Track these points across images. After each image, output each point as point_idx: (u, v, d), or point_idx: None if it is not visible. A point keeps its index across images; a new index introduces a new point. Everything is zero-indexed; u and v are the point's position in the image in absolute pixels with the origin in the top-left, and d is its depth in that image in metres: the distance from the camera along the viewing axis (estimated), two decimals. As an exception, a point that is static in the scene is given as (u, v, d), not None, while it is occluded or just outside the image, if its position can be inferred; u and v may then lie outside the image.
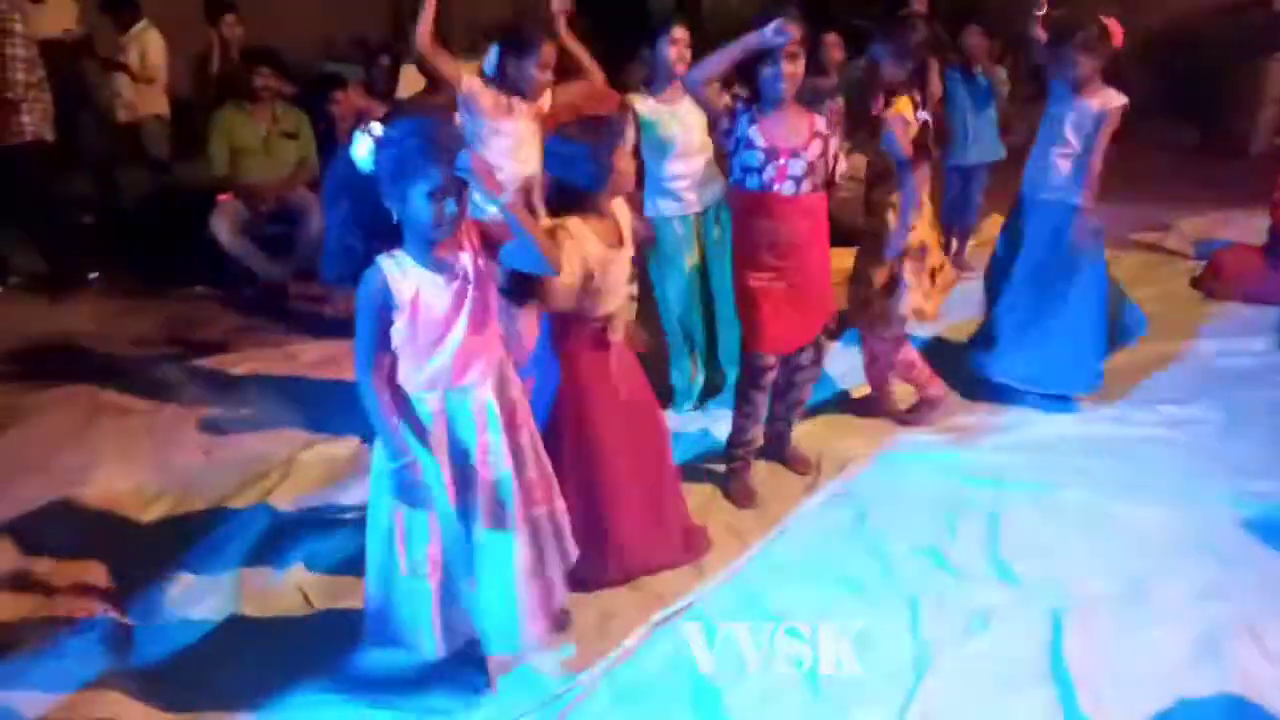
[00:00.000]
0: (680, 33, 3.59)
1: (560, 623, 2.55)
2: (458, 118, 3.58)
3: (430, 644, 2.30)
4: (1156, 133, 8.59)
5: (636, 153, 3.82)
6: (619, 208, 2.60)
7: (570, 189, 2.50)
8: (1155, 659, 2.51)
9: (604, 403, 2.65)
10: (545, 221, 2.50)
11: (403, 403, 2.16)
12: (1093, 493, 3.27)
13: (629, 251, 2.61)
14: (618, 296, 2.61)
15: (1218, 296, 5.16)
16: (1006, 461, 3.50)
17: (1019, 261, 3.88)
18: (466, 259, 2.13)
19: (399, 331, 2.07)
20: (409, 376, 2.14)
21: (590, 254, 2.46)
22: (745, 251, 3.15)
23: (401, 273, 2.04)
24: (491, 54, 3.54)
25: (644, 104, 3.62)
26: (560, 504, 2.42)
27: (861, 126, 3.72)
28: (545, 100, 3.63)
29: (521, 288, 2.45)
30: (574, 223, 2.46)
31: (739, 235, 3.18)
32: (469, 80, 3.51)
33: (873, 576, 2.87)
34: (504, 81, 3.53)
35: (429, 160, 1.95)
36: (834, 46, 5.82)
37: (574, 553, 2.48)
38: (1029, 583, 2.82)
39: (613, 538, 2.74)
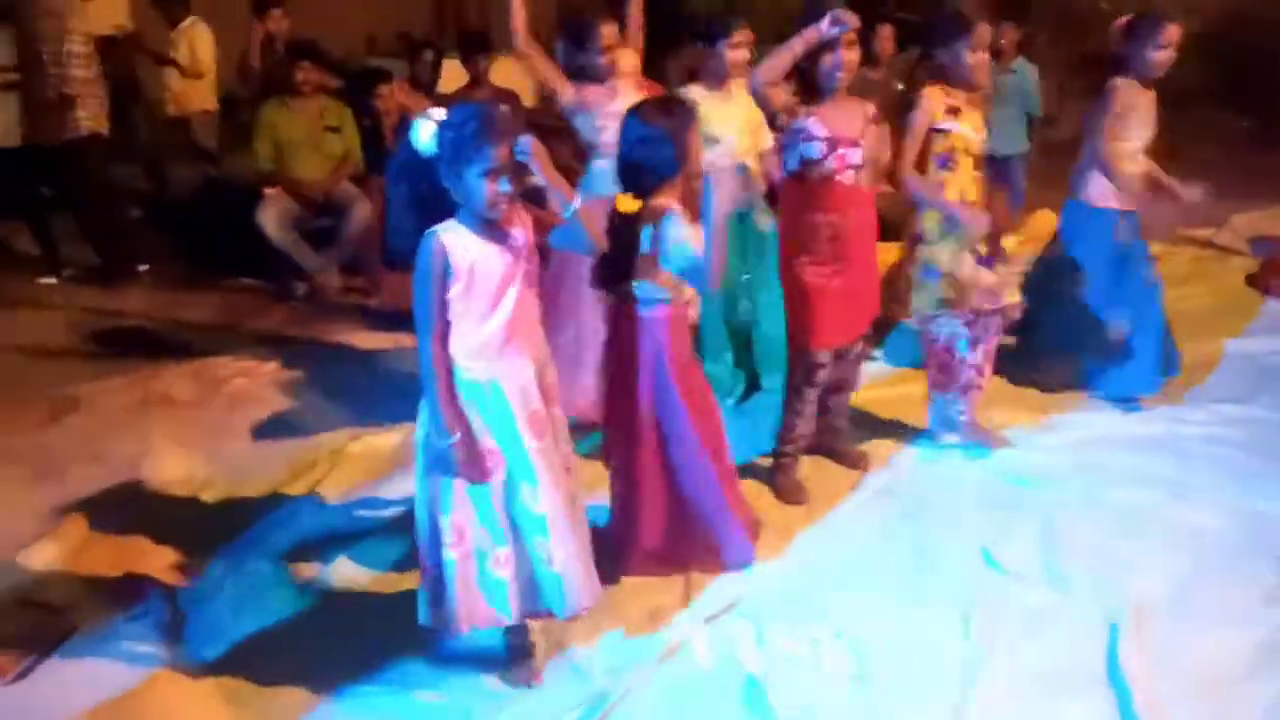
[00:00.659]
0: (743, 35, 3.57)
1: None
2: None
3: (451, 619, 2.32)
4: (1208, 123, 8.42)
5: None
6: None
7: (650, 170, 2.51)
8: (1213, 665, 2.45)
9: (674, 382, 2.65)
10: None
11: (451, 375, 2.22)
12: (1147, 493, 3.21)
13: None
14: None
15: (1275, 294, 5.05)
16: (1057, 461, 3.45)
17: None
18: (519, 233, 2.23)
19: (456, 298, 2.15)
20: (460, 343, 2.20)
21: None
22: (802, 245, 3.11)
23: (459, 241, 2.13)
24: (559, 51, 3.54)
25: (699, 94, 3.61)
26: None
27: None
28: (630, 65, 3.61)
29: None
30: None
31: (795, 229, 3.14)
32: (562, 86, 3.50)
33: (922, 577, 2.83)
34: (577, 74, 3.51)
35: (484, 142, 2.07)
36: (886, 39, 5.79)
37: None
38: (1082, 585, 2.77)
39: (639, 528, 2.76)
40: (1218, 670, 2.44)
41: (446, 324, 2.17)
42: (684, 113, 2.55)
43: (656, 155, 2.50)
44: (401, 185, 2.24)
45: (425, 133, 2.10)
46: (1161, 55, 3.47)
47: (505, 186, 2.10)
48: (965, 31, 3.19)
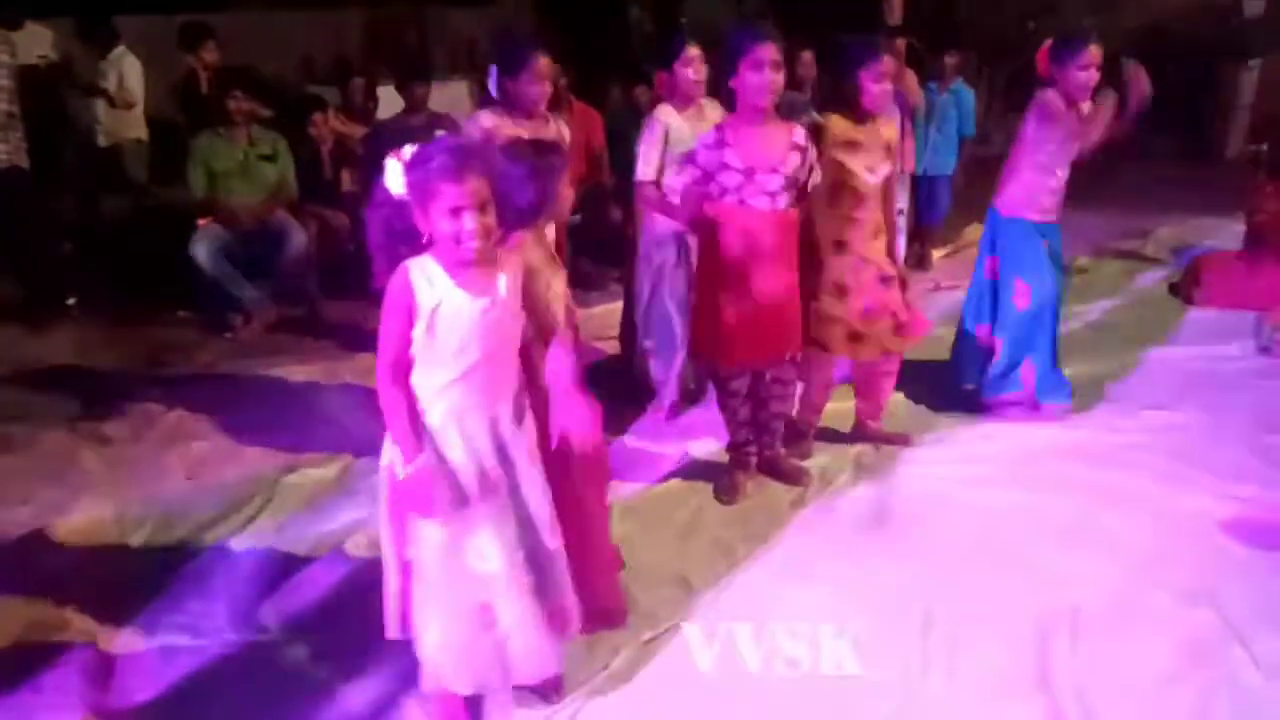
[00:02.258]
0: (694, 52, 3.65)
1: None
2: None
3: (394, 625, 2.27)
4: (1132, 140, 8.68)
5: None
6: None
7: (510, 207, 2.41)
8: (1144, 667, 2.51)
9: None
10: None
11: (413, 405, 2.13)
12: (1076, 500, 3.29)
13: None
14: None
15: (1195, 302, 5.22)
16: (990, 471, 3.52)
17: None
18: (503, 283, 2.13)
19: (417, 337, 2.08)
20: (420, 382, 2.12)
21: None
22: (713, 267, 3.16)
23: (427, 281, 2.05)
24: (491, 76, 3.51)
25: (670, 116, 3.67)
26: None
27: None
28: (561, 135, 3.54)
29: None
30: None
31: (707, 250, 3.20)
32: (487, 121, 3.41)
33: (860, 587, 2.86)
34: (505, 101, 3.42)
35: (446, 177, 1.99)
36: (808, 64, 5.91)
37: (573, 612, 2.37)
38: (1016, 592, 2.82)
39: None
40: (1148, 673, 2.50)
41: (406, 359, 2.09)
42: (554, 156, 2.49)
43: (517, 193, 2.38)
44: (376, 223, 2.13)
45: (394, 175, 2.05)
46: (1084, 76, 3.56)
47: (470, 224, 2.00)
48: (871, 60, 3.23)
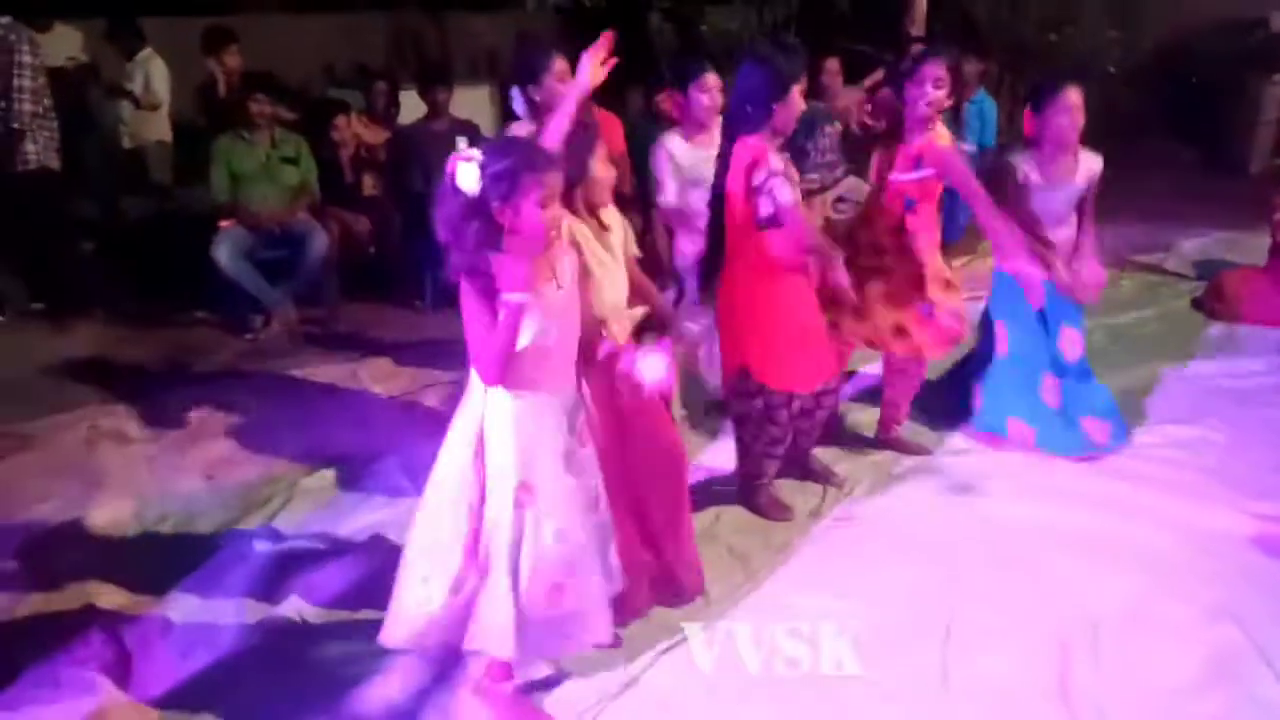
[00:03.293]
0: (712, 79, 3.63)
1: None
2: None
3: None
4: (1155, 153, 8.65)
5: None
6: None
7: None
8: (1164, 682, 2.49)
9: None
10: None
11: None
12: (1096, 514, 3.26)
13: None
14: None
15: (1219, 317, 5.17)
16: (1010, 483, 3.50)
17: None
18: (568, 264, 2.27)
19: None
20: (510, 378, 2.18)
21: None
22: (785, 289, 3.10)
23: (512, 278, 2.11)
24: (515, 97, 3.48)
25: (677, 145, 3.66)
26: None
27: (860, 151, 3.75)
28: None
29: None
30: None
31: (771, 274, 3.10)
32: None
33: (878, 597, 2.85)
34: (535, 113, 3.40)
35: (535, 170, 2.09)
36: (832, 73, 5.89)
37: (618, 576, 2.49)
38: (1036, 605, 2.80)
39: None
40: (1168, 687, 2.48)
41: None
42: (582, 131, 2.54)
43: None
44: (449, 220, 2.15)
45: (468, 174, 2.09)
46: (1066, 120, 3.46)
47: (555, 214, 2.14)
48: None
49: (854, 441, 3.83)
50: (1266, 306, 5.03)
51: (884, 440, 3.80)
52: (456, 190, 2.10)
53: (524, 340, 2.15)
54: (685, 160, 3.66)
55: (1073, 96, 3.44)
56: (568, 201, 2.42)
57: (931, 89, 3.27)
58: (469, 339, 2.17)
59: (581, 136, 2.51)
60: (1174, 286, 5.81)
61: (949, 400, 3.96)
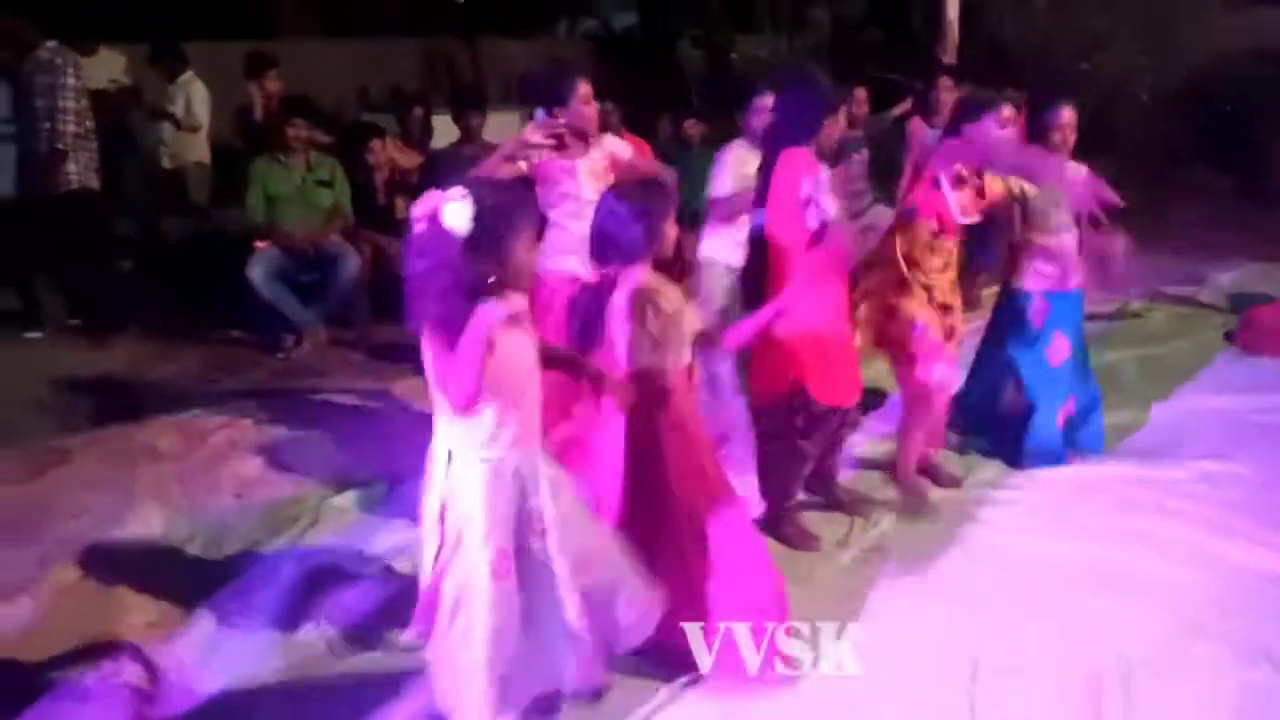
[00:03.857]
0: (764, 101, 3.63)
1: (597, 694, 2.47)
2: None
3: None
4: (1189, 181, 8.56)
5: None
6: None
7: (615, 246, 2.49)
8: (1193, 724, 2.46)
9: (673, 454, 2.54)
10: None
11: None
12: (1123, 548, 3.22)
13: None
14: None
15: (1253, 351, 5.10)
16: (1036, 517, 3.47)
17: None
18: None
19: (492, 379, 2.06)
20: (485, 422, 2.11)
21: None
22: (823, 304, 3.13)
23: (500, 319, 2.04)
24: (539, 119, 3.47)
25: (741, 150, 3.71)
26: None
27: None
28: (609, 149, 3.60)
29: None
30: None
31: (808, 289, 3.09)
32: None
33: (906, 631, 2.83)
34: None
35: (527, 214, 2.11)
36: (860, 101, 5.92)
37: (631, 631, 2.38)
38: (1064, 641, 2.77)
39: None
40: (1197, 730, 2.44)
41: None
42: (662, 195, 2.56)
43: (623, 232, 2.47)
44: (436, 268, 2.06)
45: (460, 214, 1.99)
46: (1058, 136, 3.59)
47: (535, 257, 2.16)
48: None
49: (882, 466, 3.81)
50: (1302, 341, 4.96)
51: (920, 469, 3.74)
52: (441, 231, 2.00)
53: (513, 390, 2.09)
54: (748, 167, 3.69)
55: (1067, 115, 3.60)
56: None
57: (996, 129, 3.32)
58: (439, 381, 2.06)
59: (654, 203, 2.52)
60: (1207, 318, 5.75)
61: (981, 429, 3.95)
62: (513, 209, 2.06)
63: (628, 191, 2.56)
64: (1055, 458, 3.81)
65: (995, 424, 3.93)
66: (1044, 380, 3.76)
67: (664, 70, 8.40)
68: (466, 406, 2.03)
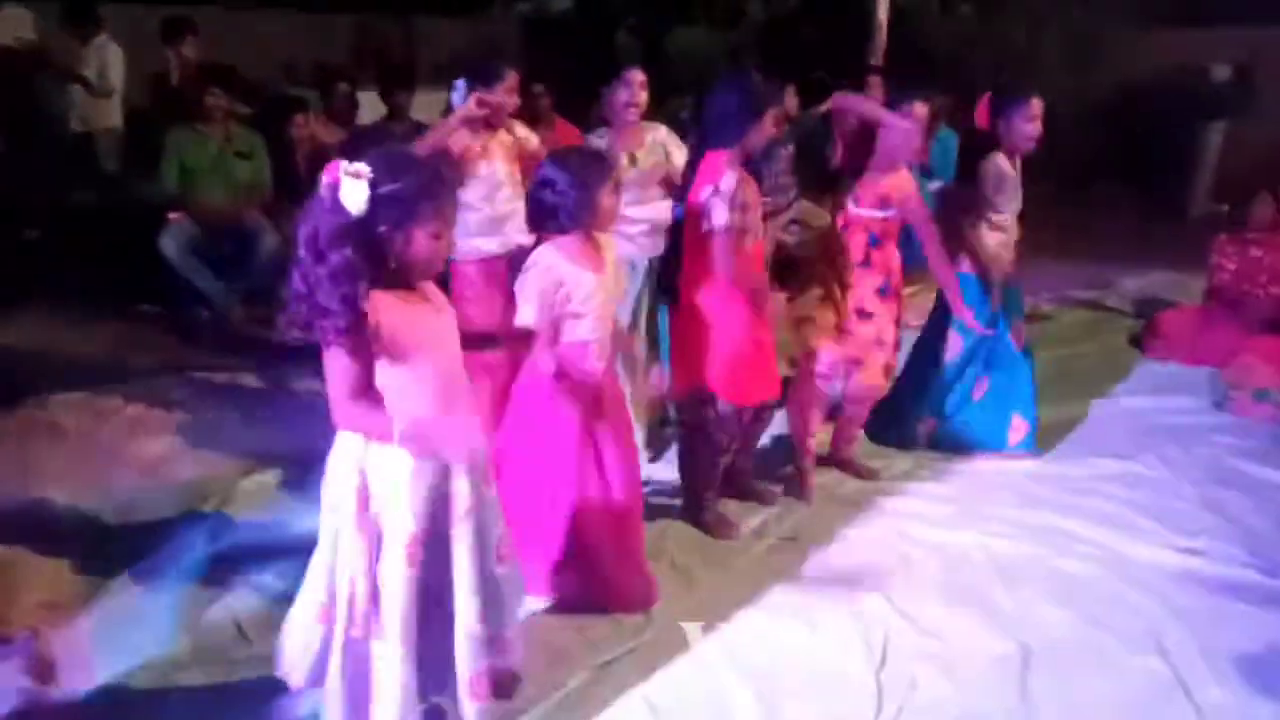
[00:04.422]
0: (633, 75, 3.64)
1: (506, 688, 2.42)
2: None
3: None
4: (1099, 195, 8.89)
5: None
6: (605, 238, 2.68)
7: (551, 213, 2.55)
8: (1090, 713, 2.54)
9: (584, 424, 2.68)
10: None
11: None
12: (1030, 544, 3.33)
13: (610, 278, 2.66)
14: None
15: (1156, 354, 5.31)
16: (949, 511, 3.56)
17: None
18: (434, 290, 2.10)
19: (386, 368, 1.98)
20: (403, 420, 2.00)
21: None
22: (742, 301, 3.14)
23: (395, 306, 1.96)
24: (459, 88, 3.53)
25: (601, 142, 3.66)
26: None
27: (818, 175, 3.82)
28: (525, 138, 3.61)
29: None
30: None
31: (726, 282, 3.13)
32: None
33: (818, 621, 2.87)
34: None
35: (434, 198, 1.94)
36: (789, 96, 5.97)
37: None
38: (970, 631, 2.85)
39: (592, 559, 2.80)
40: (1092, 717, 2.53)
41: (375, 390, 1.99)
42: (599, 166, 2.60)
43: (560, 200, 2.53)
44: (341, 251, 1.90)
45: (356, 193, 1.84)
46: (1030, 128, 3.66)
47: (447, 246, 2.00)
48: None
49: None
50: (1202, 346, 5.16)
51: (835, 460, 3.84)
52: (336, 206, 1.86)
53: (416, 369, 1.99)
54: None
55: (1037, 105, 3.66)
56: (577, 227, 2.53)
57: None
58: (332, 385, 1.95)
59: (590, 174, 2.55)
60: (1113, 323, 5.97)
61: (893, 422, 4.04)
62: (418, 196, 1.91)
63: (566, 160, 2.58)
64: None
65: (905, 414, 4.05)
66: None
67: (599, 57, 8.37)
68: (352, 398, 1.95)
